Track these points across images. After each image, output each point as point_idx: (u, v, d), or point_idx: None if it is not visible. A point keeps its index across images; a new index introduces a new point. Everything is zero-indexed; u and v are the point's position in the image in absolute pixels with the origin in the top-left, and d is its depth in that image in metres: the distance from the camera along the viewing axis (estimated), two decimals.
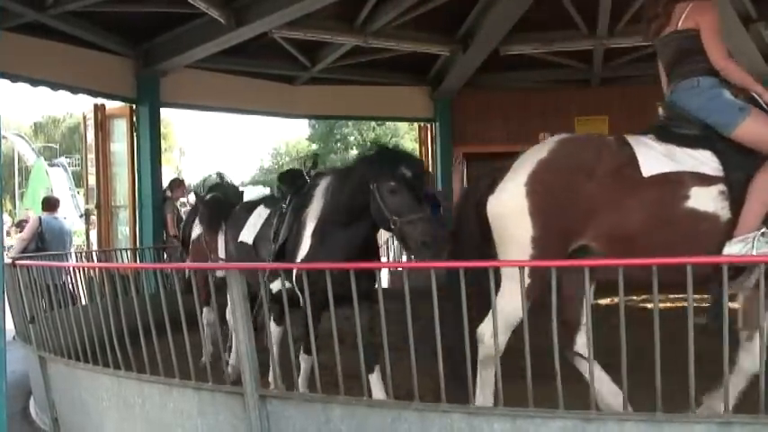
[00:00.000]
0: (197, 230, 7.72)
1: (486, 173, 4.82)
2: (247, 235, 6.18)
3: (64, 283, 7.29)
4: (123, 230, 11.38)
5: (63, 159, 35.67)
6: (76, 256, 10.17)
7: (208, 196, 7.59)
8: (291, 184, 6.08)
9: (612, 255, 4.08)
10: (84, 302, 6.71)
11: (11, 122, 52.98)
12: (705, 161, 4.24)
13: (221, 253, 6.90)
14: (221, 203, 7.21)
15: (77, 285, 7.33)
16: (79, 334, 5.49)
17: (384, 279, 10.68)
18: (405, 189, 4.81)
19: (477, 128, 13.82)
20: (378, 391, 4.87)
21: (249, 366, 4.27)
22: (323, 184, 5.53)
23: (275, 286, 5.24)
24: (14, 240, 13.44)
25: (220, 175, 8.03)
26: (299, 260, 5.37)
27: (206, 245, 7.42)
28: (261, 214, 6.22)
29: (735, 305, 4.20)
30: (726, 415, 3.42)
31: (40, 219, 10.59)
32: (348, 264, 4.49)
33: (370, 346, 4.75)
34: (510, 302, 4.02)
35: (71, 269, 7.59)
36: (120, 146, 11.27)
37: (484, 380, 4.25)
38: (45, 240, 10.31)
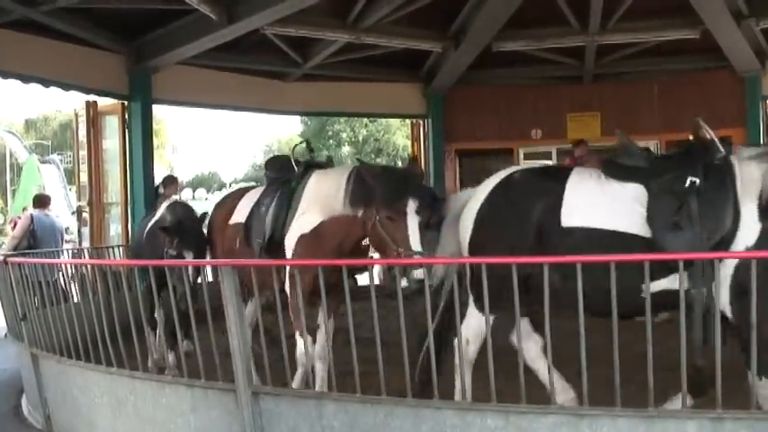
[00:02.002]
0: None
1: None
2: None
3: (56, 280, 7.27)
4: (115, 227, 11.34)
5: (55, 156, 35.55)
6: (69, 254, 10.10)
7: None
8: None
9: None
10: (76, 299, 6.68)
11: (2, 119, 52.86)
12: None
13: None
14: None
15: (69, 282, 7.31)
16: (71, 331, 5.48)
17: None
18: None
19: (470, 124, 13.82)
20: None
21: (241, 363, 4.26)
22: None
23: None
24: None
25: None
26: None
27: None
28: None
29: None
30: (718, 411, 3.43)
31: (31, 216, 10.56)
32: (339, 261, 4.51)
33: None
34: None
35: (63, 266, 7.57)
36: (112, 143, 11.23)
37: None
38: (37, 238, 10.28)
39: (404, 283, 4.37)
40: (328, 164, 6.31)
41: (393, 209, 4.86)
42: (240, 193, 6.69)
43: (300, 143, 6.77)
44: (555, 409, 3.63)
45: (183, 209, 7.03)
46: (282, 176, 6.04)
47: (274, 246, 5.64)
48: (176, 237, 6.34)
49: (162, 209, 7.05)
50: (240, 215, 6.21)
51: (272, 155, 58.58)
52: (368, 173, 5.10)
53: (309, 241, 5.41)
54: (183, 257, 6.18)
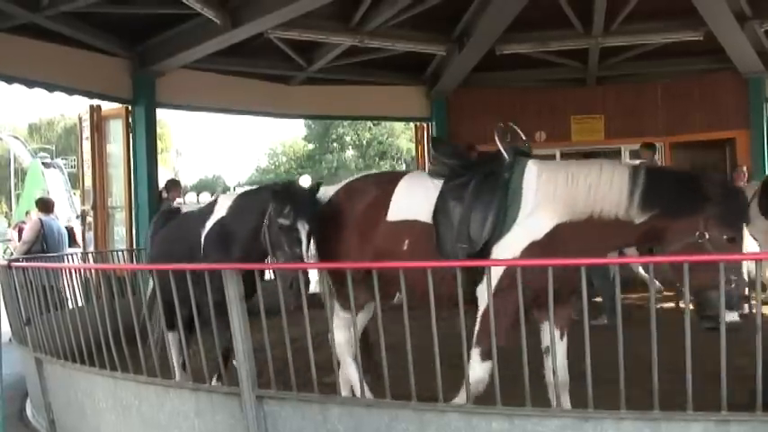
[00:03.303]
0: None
1: None
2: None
3: (59, 286, 7.27)
4: (119, 231, 11.36)
5: (59, 160, 35.59)
6: (76, 258, 10.11)
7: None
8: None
9: None
10: (80, 304, 6.69)
11: (6, 124, 52.97)
12: None
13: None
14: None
15: (73, 287, 7.31)
16: (75, 335, 5.49)
17: None
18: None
19: (473, 127, 13.77)
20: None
21: (246, 367, 4.26)
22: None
23: None
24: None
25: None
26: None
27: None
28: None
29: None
30: (723, 413, 3.42)
31: (41, 220, 10.58)
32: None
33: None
34: None
35: (67, 270, 7.57)
36: (116, 147, 11.25)
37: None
38: (48, 242, 10.28)
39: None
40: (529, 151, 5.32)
41: (734, 229, 4.22)
42: (378, 182, 5.58)
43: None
44: (559, 413, 3.62)
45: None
46: (485, 166, 5.09)
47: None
48: (288, 203, 5.28)
49: (223, 203, 6.01)
50: (410, 211, 5.12)
51: (274, 157, 58.58)
52: (708, 180, 4.24)
53: (545, 250, 4.46)
54: (297, 230, 5.24)
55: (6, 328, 7.17)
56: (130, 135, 10.91)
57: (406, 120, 17.56)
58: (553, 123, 13.64)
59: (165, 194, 11.27)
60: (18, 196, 38.87)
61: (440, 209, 4.93)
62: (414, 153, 17.37)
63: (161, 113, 12.36)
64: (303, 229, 5.27)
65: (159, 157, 12.41)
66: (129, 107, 10.94)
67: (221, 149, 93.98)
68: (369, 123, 45.92)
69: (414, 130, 15.58)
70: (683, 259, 3.72)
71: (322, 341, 5.12)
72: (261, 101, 13.01)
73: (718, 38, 11.25)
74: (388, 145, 48.84)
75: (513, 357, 3.79)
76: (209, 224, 5.93)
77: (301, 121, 48.93)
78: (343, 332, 5.29)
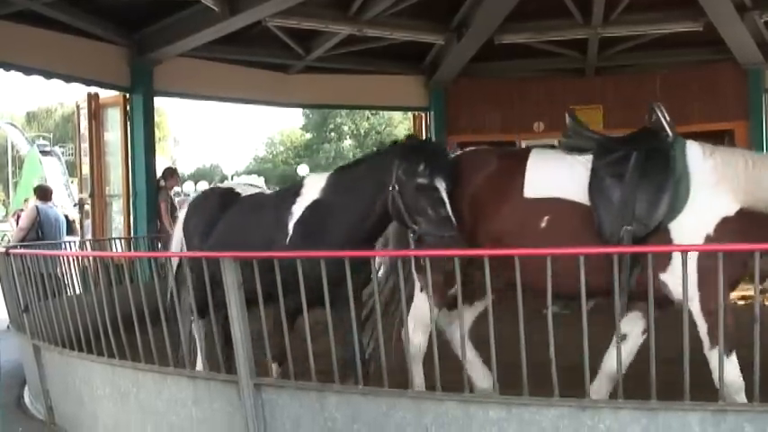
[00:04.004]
0: None
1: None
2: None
3: (57, 272, 7.27)
4: (117, 219, 11.35)
5: (56, 148, 35.57)
6: (70, 245, 10.12)
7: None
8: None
9: None
10: (77, 291, 6.69)
11: (4, 112, 52.88)
12: None
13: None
14: None
15: (71, 274, 7.31)
16: (73, 323, 5.49)
17: None
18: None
19: (472, 117, 13.80)
20: None
21: (244, 355, 4.27)
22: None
23: None
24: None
25: None
26: None
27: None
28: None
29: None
30: (720, 403, 3.43)
31: (37, 208, 10.57)
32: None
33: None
34: None
35: (65, 258, 7.57)
36: (113, 135, 11.23)
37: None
38: (44, 230, 10.29)
39: None
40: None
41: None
42: (501, 154, 5.18)
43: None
44: (557, 401, 3.63)
45: None
46: (642, 142, 4.76)
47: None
48: (421, 159, 4.63)
49: (313, 185, 5.26)
50: (553, 188, 4.72)
51: (272, 147, 58.39)
52: None
53: (736, 232, 4.19)
54: (437, 189, 4.58)
55: (4, 316, 7.18)
56: (128, 123, 10.89)
57: (405, 109, 17.54)
58: (552, 114, 13.58)
59: (162, 183, 11.27)
60: (16, 184, 38.85)
61: (595, 186, 4.54)
62: None
63: (159, 101, 12.34)
64: (442, 187, 4.60)
65: (157, 145, 12.38)
66: (127, 95, 10.91)
67: (219, 138, 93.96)
68: (367, 113, 45.91)
69: (412, 119, 15.57)
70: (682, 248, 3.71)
71: (321, 330, 5.12)
72: (259, 89, 12.99)
73: (717, 28, 11.23)
74: (386, 134, 48.84)
75: (511, 345, 3.79)
76: (297, 209, 5.16)
77: (299, 111, 48.96)
78: (421, 335, 4.84)
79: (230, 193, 5.87)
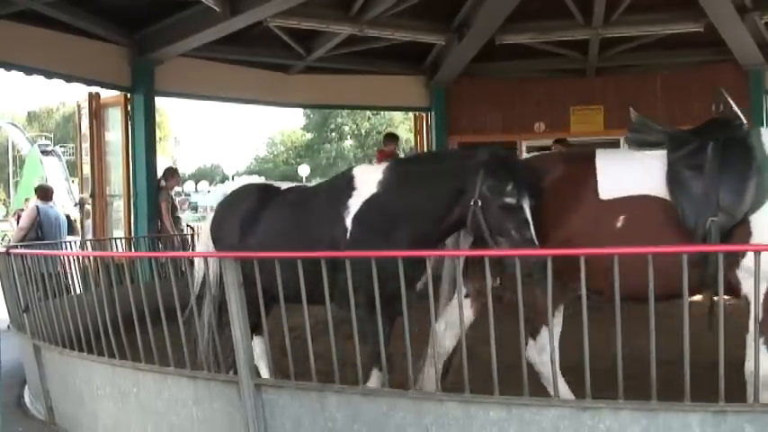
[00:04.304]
0: None
1: None
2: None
3: (58, 272, 7.27)
4: (118, 219, 11.35)
5: (57, 148, 35.58)
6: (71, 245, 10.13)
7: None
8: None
9: None
10: (78, 291, 6.69)
11: (5, 111, 52.90)
12: None
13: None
14: None
15: (72, 274, 7.31)
16: (74, 322, 5.49)
17: None
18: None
19: (473, 117, 13.81)
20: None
21: (244, 355, 4.27)
22: None
23: None
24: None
25: None
26: None
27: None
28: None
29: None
30: (720, 403, 3.43)
31: (37, 207, 10.58)
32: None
33: None
34: None
35: (65, 258, 7.57)
36: (114, 135, 11.24)
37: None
38: (44, 229, 10.30)
39: None
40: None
41: None
42: (565, 159, 5.09)
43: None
44: (557, 402, 3.63)
45: None
46: (715, 131, 4.67)
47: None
48: (509, 178, 4.43)
49: (368, 177, 5.03)
50: (633, 186, 4.60)
51: (273, 147, 58.35)
52: None
53: None
54: (522, 210, 4.42)
55: (4, 315, 7.18)
56: (129, 123, 10.89)
57: (406, 109, 17.56)
58: (552, 114, 13.64)
59: (162, 183, 11.28)
60: (16, 184, 38.86)
61: (674, 180, 4.44)
62: (413, 143, 17.36)
63: (160, 101, 12.34)
64: (527, 207, 4.44)
65: (158, 145, 12.39)
66: (128, 95, 10.92)
67: (220, 138, 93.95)
68: (368, 113, 45.91)
69: (413, 120, 15.58)
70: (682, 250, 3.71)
71: (321, 330, 5.12)
72: (260, 90, 13.00)
73: (718, 29, 11.22)
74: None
75: (512, 345, 3.80)
76: (353, 202, 4.93)
77: (300, 111, 49.01)
78: (449, 340, 4.82)
79: (269, 189, 5.64)
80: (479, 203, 4.47)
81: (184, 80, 11.52)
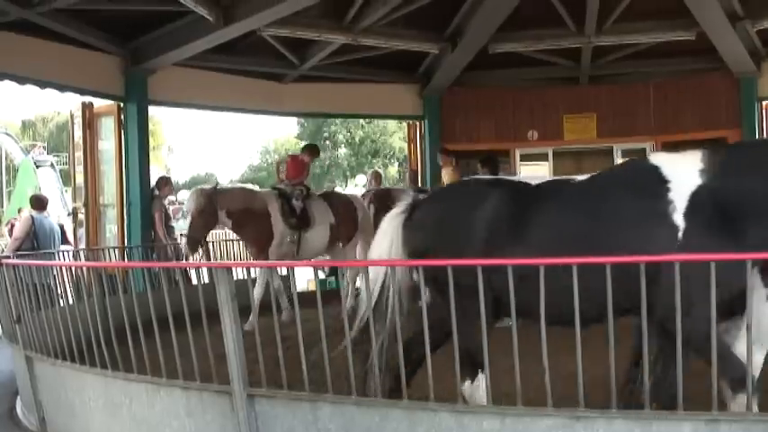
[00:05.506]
0: None
1: None
2: None
3: (50, 283, 7.23)
4: (111, 229, 11.32)
5: (51, 157, 35.46)
6: (64, 255, 10.09)
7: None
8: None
9: None
10: (71, 302, 6.65)
11: None
12: None
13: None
14: None
15: (64, 284, 7.28)
16: (66, 333, 5.46)
17: None
18: None
19: (466, 125, 13.83)
20: None
21: (237, 365, 4.25)
22: None
23: None
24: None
25: None
26: None
27: None
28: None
29: None
30: (713, 413, 3.42)
31: (32, 217, 10.55)
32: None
33: None
34: None
35: (58, 268, 7.54)
36: (108, 144, 11.21)
37: None
38: (39, 240, 10.27)
39: None
40: None
41: None
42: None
43: None
44: (551, 412, 3.62)
45: None
46: None
47: None
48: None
49: (677, 168, 4.14)
50: None
51: (267, 155, 58.33)
52: None
53: None
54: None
55: None
56: (122, 132, 10.89)
57: (399, 118, 17.59)
58: (545, 122, 13.67)
59: (156, 192, 11.25)
60: (9, 193, 38.73)
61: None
62: (406, 152, 17.40)
63: (153, 110, 12.32)
64: None
65: (151, 153, 12.37)
66: (122, 104, 10.92)
67: (214, 147, 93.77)
68: (361, 121, 45.86)
69: (406, 128, 15.58)
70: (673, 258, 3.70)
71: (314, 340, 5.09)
72: (253, 98, 13.00)
73: (710, 38, 11.28)
74: (380, 143, 48.82)
75: (506, 356, 3.79)
76: (677, 196, 4.03)
77: (294, 119, 48.86)
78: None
79: (519, 185, 4.68)
80: None
81: (178, 89, 11.51)
